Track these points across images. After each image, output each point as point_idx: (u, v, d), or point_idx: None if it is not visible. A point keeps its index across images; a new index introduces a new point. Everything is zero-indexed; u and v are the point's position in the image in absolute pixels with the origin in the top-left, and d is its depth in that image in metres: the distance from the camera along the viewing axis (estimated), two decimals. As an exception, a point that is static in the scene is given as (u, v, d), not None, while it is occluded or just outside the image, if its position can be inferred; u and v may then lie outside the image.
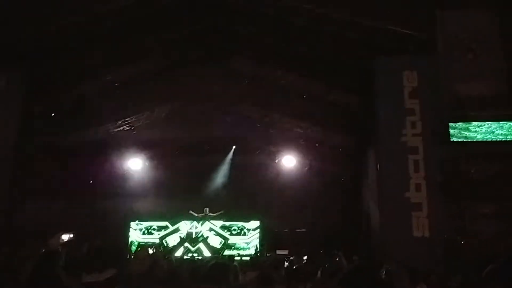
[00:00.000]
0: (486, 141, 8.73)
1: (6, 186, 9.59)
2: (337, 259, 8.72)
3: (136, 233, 14.03)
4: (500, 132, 8.78)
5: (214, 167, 16.56)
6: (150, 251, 9.62)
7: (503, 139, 8.73)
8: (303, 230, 15.22)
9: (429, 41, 9.24)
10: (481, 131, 8.81)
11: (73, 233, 11.65)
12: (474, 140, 8.72)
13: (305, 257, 12.50)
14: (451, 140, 8.71)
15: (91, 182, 14.87)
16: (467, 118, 8.89)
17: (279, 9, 9.92)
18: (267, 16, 10.17)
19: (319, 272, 6.95)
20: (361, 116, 12.17)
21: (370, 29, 9.51)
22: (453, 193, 8.39)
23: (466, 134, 8.78)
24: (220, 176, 16.44)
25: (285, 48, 11.35)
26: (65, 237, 11.54)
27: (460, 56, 8.82)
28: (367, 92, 10.45)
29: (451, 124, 8.85)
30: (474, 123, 8.83)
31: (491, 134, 8.80)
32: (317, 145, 15.16)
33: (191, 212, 14.51)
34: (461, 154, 8.69)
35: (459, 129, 8.83)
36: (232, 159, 16.65)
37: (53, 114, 12.17)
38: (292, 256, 12.93)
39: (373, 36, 9.57)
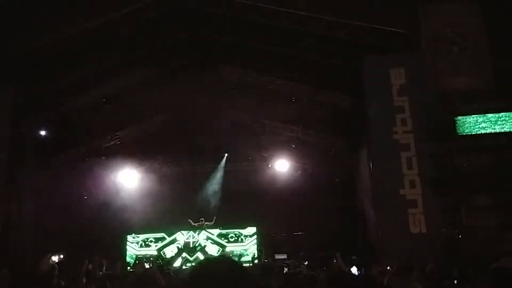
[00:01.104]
0: (476, 134, 8.76)
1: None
2: (335, 261, 8.71)
3: (133, 246, 13.91)
4: (487, 125, 8.80)
5: (207, 175, 16.50)
6: (146, 265, 9.53)
7: (492, 132, 8.77)
8: (300, 233, 15.16)
9: (414, 37, 9.29)
10: (470, 124, 8.84)
11: (63, 254, 11.49)
12: (475, 133, 8.68)
13: (305, 262, 12.48)
14: (459, 134, 8.63)
15: (85, 197, 14.73)
16: (455, 112, 8.92)
17: (262, 15, 9.93)
18: (251, 22, 10.18)
19: (321, 277, 6.90)
20: (352, 117, 12.20)
21: (356, 29, 9.56)
22: (447, 188, 8.40)
23: (470, 128, 8.74)
24: (214, 184, 16.38)
25: (271, 53, 11.36)
26: (55, 258, 11.36)
27: (445, 50, 8.85)
28: (356, 92, 10.48)
29: (459, 118, 8.78)
30: (466, 117, 8.82)
31: (479, 127, 8.84)
32: (309, 147, 15.16)
33: (189, 220, 14.41)
34: (453, 149, 8.71)
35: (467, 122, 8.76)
36: (225, 167, 16.60)
37: (42, 133, 12.08)
38: (290, 260, 12.91)
39: (359, 36, 9.61)
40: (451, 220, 8.51)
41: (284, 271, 9.29)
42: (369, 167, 10.01)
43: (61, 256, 11.58)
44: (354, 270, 7.92)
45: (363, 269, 8.29)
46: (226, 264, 1.60)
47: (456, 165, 8.57)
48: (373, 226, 10.37)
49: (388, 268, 6.46)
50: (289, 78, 12.30)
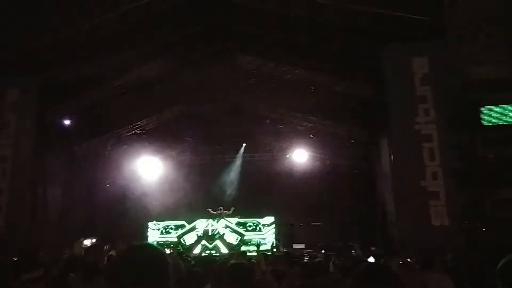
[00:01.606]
0: (502, 124, 8.54)
1: (26, 192, 9.76)
2: (353, 251, 8.71)
3: (155, 233, 14.16)
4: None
5: (225, 165, 16.60)
6: (167, 251, 9.69)
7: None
8: (319, 223, 15.16)
9: (438, 25, 9.07)
10: (496, 115, 8.63)
11: (95, 238, 11.79)
12: (501, 124, 8.46)
13: (322, 251, 12.52)
14: (484, 124, 8.44)
15: (107, 185, 15.01)
16: (480, 102, 8.71)
17: (282, 3, 9.83)
18: (271, 11, 10.09)
19: (331, 266, 6.91)
20: (372, 106, 12.05)
21: (377, 17, 9.37)
22: (471, 180, 8.23)
23: (496, 118, 8.53)
24: (232, 173, 16.47)
25: (291, 42, 11.26)
26: (87, 242, 11.67)
27: (471, 38, 8.62)
28: (377, 81, 10.32)
29: (484, 108, 8.58)
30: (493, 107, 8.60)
31: (506, 117, 8.63)
32: (328, 138, 15.06)
33: (208, 209, 14.57)
34: (477, 139, 8.51)
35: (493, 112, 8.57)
36: (243, 156, 16.66)
37: (67, 122, 12.32)
38: (308, 250, 12.96)
39: (380, 24, 9.42)
40: (474, 213, 8.36)
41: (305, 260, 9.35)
42: (390, 157, 9.89)
43: (93, 240, 11.90)
44: (371, 260, 7.90)
45: (381, 260, 8.26)
46: (148, 251, 1.67)
47: (481, 157, 8.38)
48: (393, 218, 10.27)
49: (409, 260, 6.43)
50: (309, 67, 12.18)
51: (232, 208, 14.77)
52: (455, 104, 8.57)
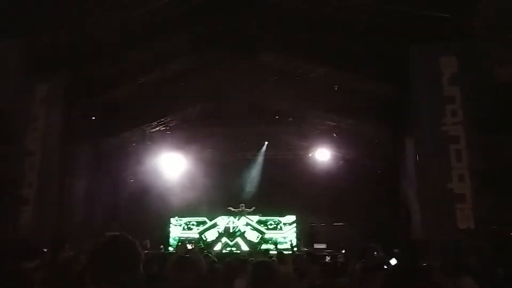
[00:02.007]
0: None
1: (53, 185, 10.01)
2: (375, 253, 8.59)
3: (177, 229, 14.31)
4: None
5: (247, 163, 16.64)
6: (189, 246, 9.78)
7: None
8: (341, 224, 15.04)
9: (466, 24, 8.85)
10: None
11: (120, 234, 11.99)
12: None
13: (343, 251, 12.42)
14: None
15: (131, 180, 15.27)
16: (510, 103, 8.46)
17: (306, 1, 9.77)
18: (295, 9, 10.04)
19: (357, 266, 6.84)
20: (397, 106, 11.86)
21: (404, 15, 9.21)
22: (500, 183, 8.01)
23: None
24: (254, 171, 16.51)
25: (315, 41, 11.18)
26: None
27: (502, 37, 8.37)
28: (403, 81, 10.15)
29: None
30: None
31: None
32: (351, 137, 14.91)
33: (229, 208, 14.65)
34: (506, 141, 8.27)
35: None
36: (265, 155, 16.67)
37: (93, 118, 12.58)
38: (329, 250, 12.88)
39: (407, 23, 9.25)
40: (501, 216, 8.14)
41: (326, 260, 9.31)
42: (415, 158, 9.71)
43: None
44: (393, 262, 7.78)
45: (406, 262, 8.13)
46: (123, 242, 1.93)
47: (509, 159, 8.15)
48: (417, 220, 10.10)
49: (434, 264, 6.31)
50: (333, 66, 12.08)
51: (253, 207, 14.80)
52: (483, 105, 8.35)
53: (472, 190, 8.21)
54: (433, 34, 9.18)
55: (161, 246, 13.63)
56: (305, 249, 13.22)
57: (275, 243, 13.01)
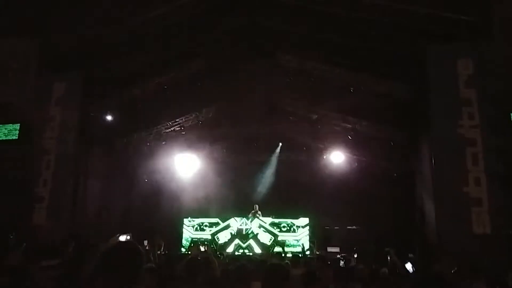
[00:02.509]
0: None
1: (68, 184, 10.15)
2: (389, 257, 8.47)
3: (189, 229, 14.34)
4: None
5: (261, 164, 16.62)
6: (202, 248, 9.80)
7: None
8: (355, 227, 14.89)
9: (484, 26, 8.70)
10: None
11: (130, 234, 12.09)
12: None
13: (355, 255, 12.28)
14: None
15: (145, 180, 15.39)
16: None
17: (323, 2, 9.73)
18: (312, 9, 10.00)
19: (385, 271, 6.75)
20: (413, 108, 11.70)
21: (421, 16, 9.09)
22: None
23: None
24: (268, 173, 16.48)
25: (330, 41, 11.11)
26: (122, 238, 11.99)
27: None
28: (419, 82, 10.01)
29: None
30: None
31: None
32: (367, 139, 14.75)
33: (242, 208, 14.65)
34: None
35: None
36: (279, 156, 16.62)
37: (108, 117, 12.72)
38: (343, 254, 12.75)
39: (424, 24, 9.13)
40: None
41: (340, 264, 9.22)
42: (431, 161, 9.55)
43: (128, 237, 12.18)
44: (409, 266, 7.67)
45: (419, 266, 8.02)
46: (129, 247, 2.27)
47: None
48: (432, 224, 9.93)
49: (450, 268, 6.19)
50: (348, 67, 11.98)
51: (267, 209, 14.77)
52: (501, 108, 8.19)
53: (488, 194, 8.05)
54: (450, 35, 9.06)
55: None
56: (317, 253, 13.12)
57: (282, 245, 12.97)
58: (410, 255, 11.10)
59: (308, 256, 11.27)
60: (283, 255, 7.91)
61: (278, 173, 16.37)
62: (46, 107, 10.45)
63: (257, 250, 13.48)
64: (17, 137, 10.68)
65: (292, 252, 12.59)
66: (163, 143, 15.36)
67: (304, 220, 14.14)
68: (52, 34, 9.77)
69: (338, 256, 12.72)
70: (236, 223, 14.13)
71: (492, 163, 8.13)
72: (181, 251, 13.57)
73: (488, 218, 7.98)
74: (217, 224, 14.28)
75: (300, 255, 9.83)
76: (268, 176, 16.40)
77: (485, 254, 7.60)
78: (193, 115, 15.06)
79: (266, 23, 11.51)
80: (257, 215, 14.24)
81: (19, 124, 10.68)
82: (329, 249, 13.54)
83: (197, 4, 10.21)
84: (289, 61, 12.78)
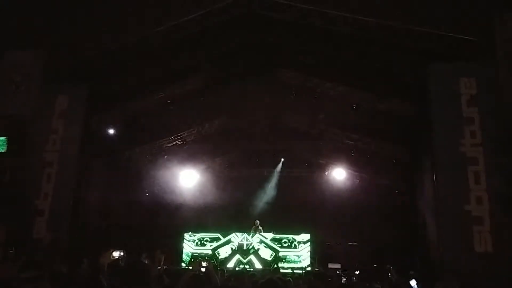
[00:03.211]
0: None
1: (68, 197, 10.12)
2: (389, 274, 8.43)
3: (190, 244, 14.26)
4: None
5: (263, 179, 16.61)
6: (203, 263, 9.74)
7: None
8: (356, 244, 14.81)
9: (487, 46, 8.80)
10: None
11: (123, 251, 12.01)
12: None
13: (357, 272, 12.19)
14: None
15: (147, 194, 15.38)
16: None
17: (326, 20, 9.85)
18: (315, 27, 10.12)
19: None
20: (415, 126, 11.74)
21: (424, 36, 9.20)
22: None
23: None
24: (270, 188, 16.45)
25: (334, 59, 11.22)
26: (116, 254, 11.89)
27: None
28: (422, 101, 10.08)
29: None
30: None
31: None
32: (368, 156, 14.78)
33: (243, 224, 14.59)
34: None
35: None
36: (281, 172, 16.62)
37: (111, 131, 12.77)
38: (344, 270, 12.65)
39: (427, 43, 9.23)
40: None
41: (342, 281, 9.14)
42: (433, 179, 9.56)
43: (121, 254, 12.08)
44: (413, 283, 7.62)
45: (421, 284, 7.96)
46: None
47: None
48: (434, 241, 9.88)
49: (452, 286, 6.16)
50: (351, 85, 12.07)
51: (268, 225, 14.71)
52: (503, 127, 8.22)
53: (490, 212, 8.04)
54: (453, 54, 9.15)
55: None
56: (316, 269, 13.02)
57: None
58: (411, 272, 11.02)
59: (309, 272, 11.16)
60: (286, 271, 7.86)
61: (279, 188, 16.34)
62: (49, 120, 10.47)
63: (258, 265, 13.39)
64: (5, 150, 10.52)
65: (292, 268, 12.51)
66: (165, 157, 15.39)
67: (306, 236, 14.05)
68: (56, 48, 9.88)
69: (338, 272, 12.64)
70: (237, 238, 14.04)
71: (494, 182, 8.14)
72: (181, 266, 13.47)
73: (490, 237, 7.97)
74: (218, 239, 14.19)
75: (302, 272, 9.76)
76: (269, 191, 16.37)
77: (487, 272, 7.55)
78: (195, 130, 15.12)
79: (271, 40, 11.63)
80: (258, 231, 14.17)
81: (5, 138, 10.52)
82: (330, 266, 13.43)
83: (200, 21, 10.34)
84: (293, 78, 12.89)
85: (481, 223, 8.07)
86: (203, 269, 6.44)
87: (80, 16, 9.72)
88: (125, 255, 11.94)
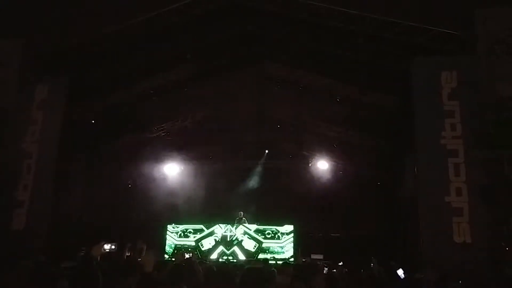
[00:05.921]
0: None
1: (48, 188, 9.95)
2: (371, 264, 8.57)
3: (173, 236, 14.24)
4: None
5: (247, 171, 16.63)
6: (186, 255, 9.74)
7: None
8: (338, 235, 15.00)
9: (468, 40, 8.92)
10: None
11: (114, 243, 11.94)
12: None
13: (340, 263, 12.35)
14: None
15: (129, 185, 15.25)
16: (509, 119, 8.48)
17: (312, 13, 9.85)
18: (300, 20, 10.12)
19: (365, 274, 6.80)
20: (398, 119, 11.88)
21: (407, 29, 9.27)
22: (497, 198, 7.99)
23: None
24: (254, 180, 16.49)
25: (318, 52, 11.23)
26: (107, 246, 11.81)
27: (502, 55, 8.44)
28: (404, 94, 10.19)
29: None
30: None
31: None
32: (351, 148, 14.91)
33: (227, 215, 14.61)
34: (505, 157, 8.27)
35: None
36: (265, 163, 16.66)
37: (92, 122, 12.57)
38: (326, 261, 12.80)
39: (410, 36, 9.32)
40: (499, 231, 8.10)
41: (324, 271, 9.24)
42: (414, 171, 9.71)
43: (113, 247, 11.99)
44: (400, 272, 7.75)
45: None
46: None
47: (508, 174, 8.14)
48: (415, 232, 10.06)
49: (431, 276, 6.29)
50: (335, 78, 12.12)
51: (252, 216, 14.76)
52: (483, 121, 8.37)
53: (469, 204, 8.20)
54: (435, 48, 9.25)
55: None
56: (303, 260, 13.14)
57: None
58: (392, 263, 11.21)
59: (295, 263, 11.27)
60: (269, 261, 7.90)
61: (263, 180, 16.39)
62: (28, 111, 10.23)
63: (241, 257, 13.45)
64: None
65: (275, 259, 12.61)
66: (148, 148, 15.25)
67: (289, 227, 14.17)
68: (35, 37, 9.65)
69: (319, 263, 12.79)
70: (220, 229, 14.08)
71: (474, 174, 8.30)
72: (164, 257, 13.45)
73: (469, 228, 8.14)
74: (201, 230, 14.21)
75: (287, 262, 9.83)
76: (253, 183, 16.41)
77: (465, 262, 7.73)
78: (179, 121, 15.01)
79: (256, 31, 11.56)
80: (242, 222, 14.22)
81: None
82: (313, 256, 13.58)
83: (186, 10, 10.23)
84: (277, 70, 12.87)
85: (461, 214, 8.23)
86: (186, 260, 6.45)
87: (60, 5, 9.50)
88: (116, 248, 11.88)
